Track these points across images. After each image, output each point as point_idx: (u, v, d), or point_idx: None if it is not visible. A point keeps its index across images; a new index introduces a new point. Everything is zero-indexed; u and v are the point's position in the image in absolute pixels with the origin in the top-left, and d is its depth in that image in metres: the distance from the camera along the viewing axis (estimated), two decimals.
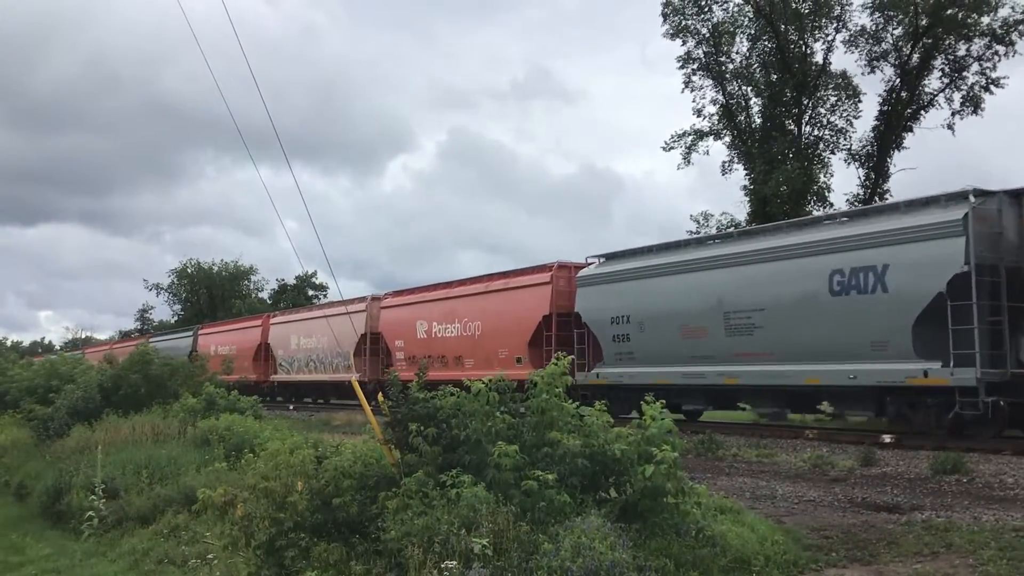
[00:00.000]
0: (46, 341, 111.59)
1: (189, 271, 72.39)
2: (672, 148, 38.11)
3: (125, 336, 75.87)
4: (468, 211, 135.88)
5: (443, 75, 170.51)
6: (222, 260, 73.78)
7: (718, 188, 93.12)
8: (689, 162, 38.06)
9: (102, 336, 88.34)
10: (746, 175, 36.28)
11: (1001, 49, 32.15)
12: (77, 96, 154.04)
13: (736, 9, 36.25)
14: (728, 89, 37.08)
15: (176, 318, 73.23)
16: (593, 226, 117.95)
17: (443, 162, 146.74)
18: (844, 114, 35.98)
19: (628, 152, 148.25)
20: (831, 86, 35.92)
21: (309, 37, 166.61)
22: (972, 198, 15.21)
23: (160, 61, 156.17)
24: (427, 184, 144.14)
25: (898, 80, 34.22)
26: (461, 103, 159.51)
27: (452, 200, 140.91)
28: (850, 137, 35.83)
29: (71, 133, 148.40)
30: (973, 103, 33.28)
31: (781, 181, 33.11)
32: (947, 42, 33.12)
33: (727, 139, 37.51)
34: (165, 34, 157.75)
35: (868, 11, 33.96)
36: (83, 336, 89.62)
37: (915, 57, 33.66)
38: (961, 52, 33.10)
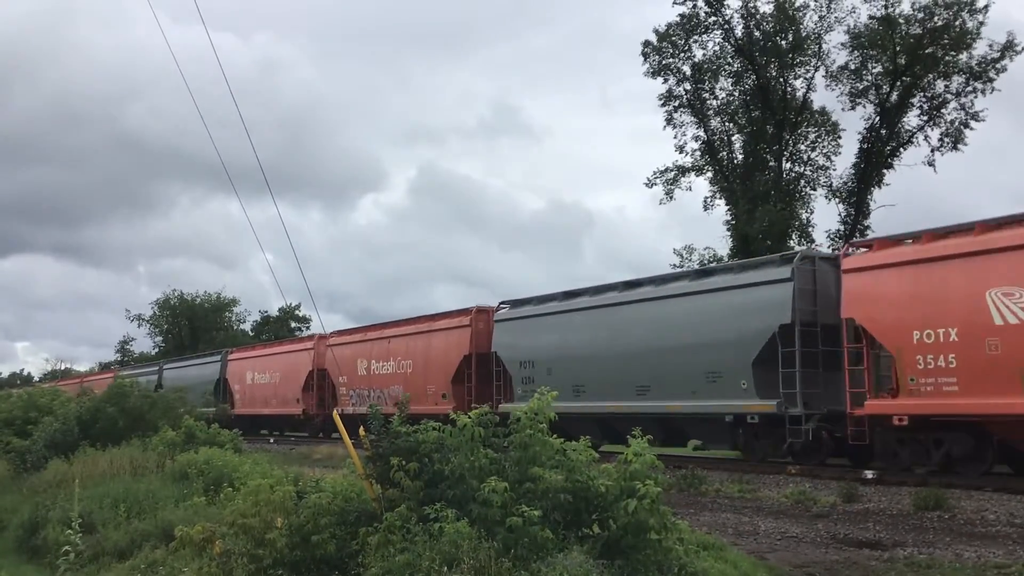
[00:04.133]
0: (25, 372, 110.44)
1: (172, 302, 72.00)
2: (655, 184, 38.43)
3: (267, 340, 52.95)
4: (441, 245, 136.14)
5: (413, 112, 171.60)
6: (205, 292, 73.41)
7: (689, 224, 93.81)
8: (672, 197, 38.39)
9: (81, 367, 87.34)
10: (728, 211, 36.58)
11: (979, 86, 32.69)
12: (44, 132, 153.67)
13: (717, 48, 36.72)
14: (710, 125, 37.48)
15: (157, 350, 72.66)
16: (565, 260, 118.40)
17: (414, 197, 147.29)
18: (824, 150, 36.47)
19: (596, 188, 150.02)
20: (811, 123, 36.40)
21: (279, 73, 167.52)
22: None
23: (125, 98, 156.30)
24: (400, 218, 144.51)
25: (878, 118, 34.68)
26: (430, 139, 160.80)
27: (425, 234, 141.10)
28: (830, 174, 36.29)
29: (40, 167, 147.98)
30: (953, 138, 33.74)
31: (764, 220, 33.39)
32: (925, 80, 33.62)
33: (709, 175, 37.86)
34: (128, 73, 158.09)
35: (847, 49, 34.49)
36: (62, 367, 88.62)
37: (894, 95, 34.14)
38: (939, 89, 33.63)
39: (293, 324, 70.71)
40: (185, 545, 9.44)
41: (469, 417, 7.95)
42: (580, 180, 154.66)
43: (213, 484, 13.18)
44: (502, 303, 26.90)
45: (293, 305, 69.52)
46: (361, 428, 8.58)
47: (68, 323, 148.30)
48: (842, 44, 34.61)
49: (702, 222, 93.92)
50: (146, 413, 20.28)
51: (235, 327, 73.06)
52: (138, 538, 11.86)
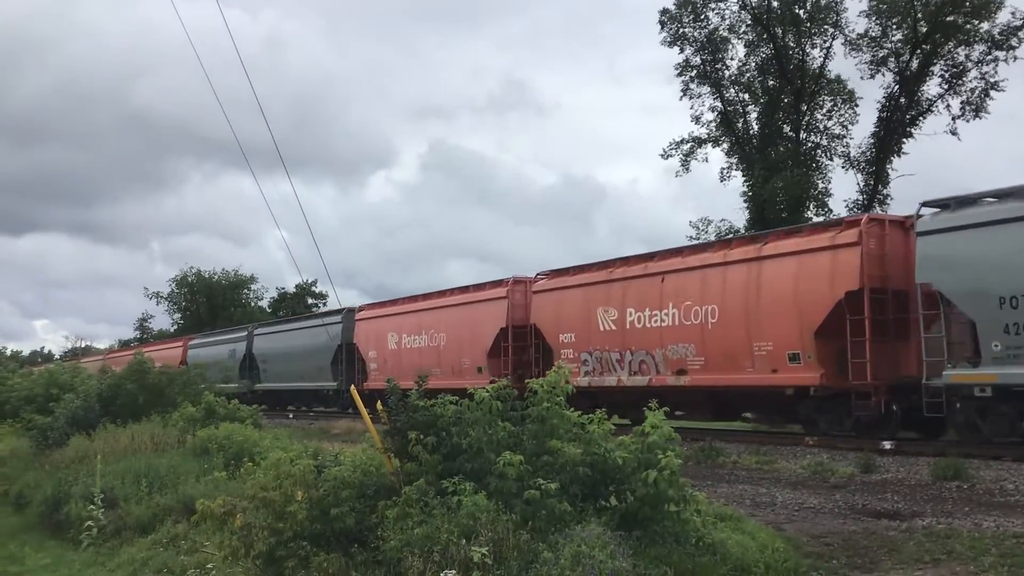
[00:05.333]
0: (45, 350, 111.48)
1: (189, 279, 72.39)
2: (671, 155, 38.22)
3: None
4: (454, 221, 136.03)
5: (422, 88, 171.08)
6: (223, 269, 73.76)
7: (703, 197, 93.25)
8: (688, 169, 38.16)
9: (101, 345, 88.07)
10: (744, 182, 36.37)
11: (1001, 54, 32.26)
12: (55, 111, 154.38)
13: (734, 16, 36.38)
14: (726, 96, 37.18)
15: (175, 327, 73.15)
16: (579, 234, 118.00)
17: (426, 173, 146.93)
18: (840, 119, 36.16)
19: (607, 162, 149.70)
20: (827, 91, 36.07)
21: (288, 49, 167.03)
22: None
23: (134, 77, 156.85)
24: (411, 195, 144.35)
25: (897, 86, 34.32)
26: (440, 114, 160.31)
27: (437, 210, 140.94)
28: (847, 143, 35.99)
29: (52, 146, 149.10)
30: (975, 107, 33.34)
31: (780, 187, 33.18)
32: (946, 48, 33.21)
33: (725, 146, 37.62)
34: (137, 51, 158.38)
35: (866, 17, 34.09)
36: (82, 345, 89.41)
37: (914, 63, 33.75)
38: (960, 58, 33.21)
39: (310, 300, 71.02)
40: (206, 519, 9.56)
41: (486, 390, 7.98)
42: (591, 154, 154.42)
43: (233, 459, 13.30)
44: (924, 203, 16.82)
45: (310, 281, 69.76)
46: (379, 402, 8.63)
47: (85, 301, 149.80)
48: (863, 12, 34.25)
49: (716, 195, 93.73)
50: (165, 389, 20.45)
51: (253, 304, 73.44)
52: (160, 513, 12.00)
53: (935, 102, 34.17)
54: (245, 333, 44.33)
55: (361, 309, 34.96)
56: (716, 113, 37.23)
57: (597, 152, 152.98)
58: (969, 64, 33.11)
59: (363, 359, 33.87)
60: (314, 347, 36.30)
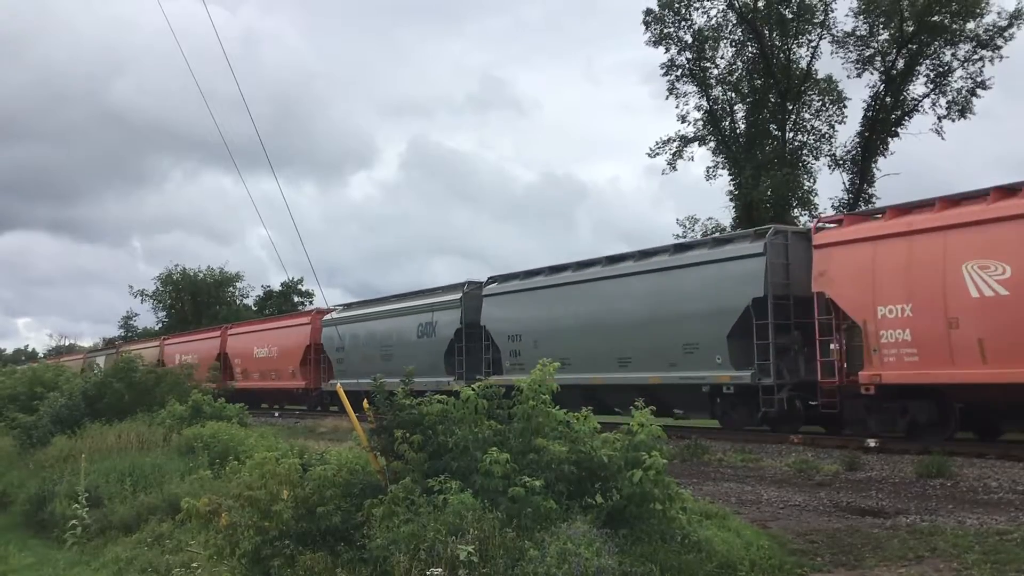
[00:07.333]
0: (29, 349, 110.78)
1: (175, 277, 71.96)
2: (657, 154, 38.28)
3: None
4: (436, 219, 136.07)
5: (401, 85, 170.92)
6: (208, 267, 73.29)
7: (684, 194, 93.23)
8: (675, 168, 38.21)
9: (85, 343, 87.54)
10: (731, 180, 36.44)
11: (987, 54, 32.42)
12: (32, 109, 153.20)
13: (719, 15, 36.43)
14: (712, 95, 37.25)
15: (160, 325, 72.74)
16: (560, 232, 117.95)
17: (406, 171, 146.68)
18: (828, 119, 36.26)
19: (588, 160, 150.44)
20: (815, 91, 36.16)
21: (266, 45, 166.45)
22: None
23: (111, 74, 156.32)
24: (393, 192, 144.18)
25: (883, 85, 34.45)
26: (419, 112, 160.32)
27: (419, 208, 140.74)
28: (833, 142, 36.09)
29: (32, 143, 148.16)
30: (960, 107, 33.50)
31: (767, 187, 33.29)
32: (932, 48, 33.35)
33: (712, 144, 37.68)
34: (114, 48, 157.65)
35: (853, 16, 34.21)
36: (66, 343, 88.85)
37: (900, 63, 33.89)
38: (946, 57, 33.36)
39: (296, 299, 70.68)
40: (191, 518, 9.50)
41: (472, 389, 7.98)
42: (571, 152, 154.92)
43: (219, 457, 13.26)
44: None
45: (295, 279, 69.42)
46: (365, 400, 8.62)
47: (68, 299, 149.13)
48: (850, 10, 34.37)
49: (697, 193, 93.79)
50: (153, 388, 20.37)
51: (238, 302, 73.09)
52: (144, 512, 11.96)
53: (920, 101, 34.36)
54: (457, 296, 27.38)
55: (831, 221, 18.49)
56: (702, 112, 37.32)
57: (577, 150, 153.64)
58: (955, 64, 33.30)
59: (859, 324, 16.48)
60: (673, 307, 19.99)
